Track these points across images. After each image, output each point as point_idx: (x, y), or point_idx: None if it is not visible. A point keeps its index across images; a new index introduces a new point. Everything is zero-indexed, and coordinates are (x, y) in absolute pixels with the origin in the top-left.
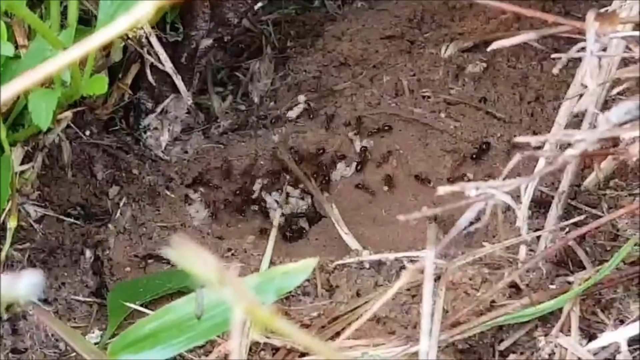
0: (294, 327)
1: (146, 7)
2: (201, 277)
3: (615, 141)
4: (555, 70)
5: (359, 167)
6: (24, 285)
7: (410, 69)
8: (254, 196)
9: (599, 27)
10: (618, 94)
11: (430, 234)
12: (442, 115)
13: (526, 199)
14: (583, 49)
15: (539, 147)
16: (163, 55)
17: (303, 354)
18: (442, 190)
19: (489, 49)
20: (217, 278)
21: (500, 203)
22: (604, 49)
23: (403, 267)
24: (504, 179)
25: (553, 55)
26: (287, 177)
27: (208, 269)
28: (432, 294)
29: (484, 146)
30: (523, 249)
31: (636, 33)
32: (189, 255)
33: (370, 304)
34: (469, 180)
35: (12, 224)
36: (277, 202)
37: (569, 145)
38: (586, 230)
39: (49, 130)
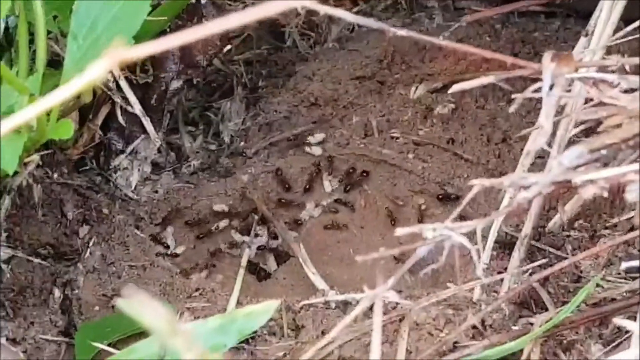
0: None
1: (100, 67)
2: (152, 327)
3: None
4: (511, 109)
5: (327, 208)
6: None
7: (380, 110)
8: (223, 236)
9: (555, 68)
10: (578, 135)
11: (381, 273)
12: (410, 156)
13: (490, 239)
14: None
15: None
16: (132, 98)
17: None
18: (401, 232)
19: (450, 91)
20: (167, 328)
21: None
22: (568, 90)
23: (370, 307)
24: (460, 219)
25: (513, 96)
26: (256, 217)
27: (158, 319)
28: (380, 336)
29: (452, 196)
30: (478, 290)
31: (593, 74)
32: (140, 305)
33: (336, 344)
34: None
35: None
36: (245, 241)
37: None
38: (549, 273)
39: (15, 173)
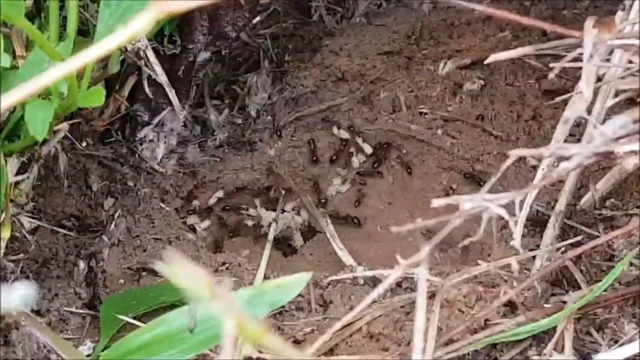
0: (285, 343)
1: (144, 20)
2: (192, 292)
3: (610, 156)
4: (551, 75)
5: (355, 183)
6: (18, 296)
7: (408, 85)
8: (249, 210)
9: (597, 34)
10: (618, 105)
11: (424, 249)
12: (439, 132)
13: (522, 213)
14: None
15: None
16: (159, 69)
17: None
18: (437, 202)
19: (486, 62)
20: (207, 293)
21: (494, 217)
22: (608, 60)
23: (399, 284)
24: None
25: (551, 65)
26: (283, 191)
27: (199, 284)
28: (425, 311)
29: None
30: (516, 264)
31: (636, 42)
32: (180, 269)
33: (364, 320)
34: None
35: (5, 234)
36: (272, 216)
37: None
38: (582, 251)
39: (44, 141)
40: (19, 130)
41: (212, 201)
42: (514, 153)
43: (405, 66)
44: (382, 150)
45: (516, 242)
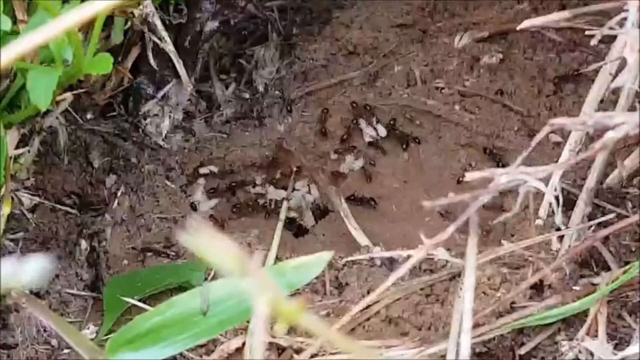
0: (324, 323)
1: None
2: (219, 266)
3: None
4: (593, 42)
5: (368, 160)
6: (29, 271)
7: (423, 59)
8: (258, 189)
9: None
10: None
11: (473, 222)
12: (457, 107)
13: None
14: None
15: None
16: (166, 36)
17: (312, 355)
18: (471, 176)
19: (520, 27)
20: (237, 267)
21: (532, 190)
22: None
23: (418, 266)
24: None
25: (587, 32)
26: (294, 168)
27: (227, 257)
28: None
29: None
30: (556, 241)
31: None
32: (206, 241)
33: (382, 303)
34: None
35: (5, 210)
36: (282, 195)
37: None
38: (614, 230)
39: (47, 112)
40: (19, 100)
41: (219, 179)
42: (555, 121)
43: (420, 39)
44: (397, 126)
45: (557, 218)
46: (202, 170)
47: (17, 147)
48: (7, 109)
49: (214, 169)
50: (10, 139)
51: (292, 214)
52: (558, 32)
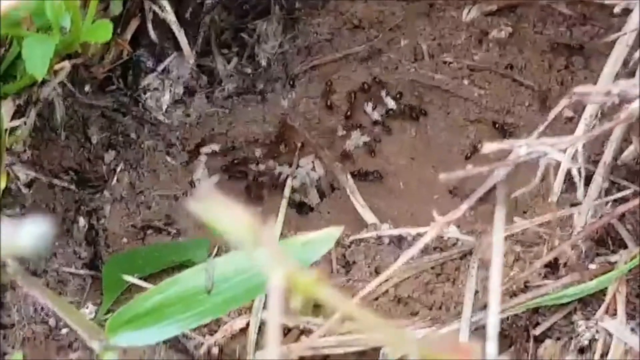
0: (343, 296)
1: None
2: (230, 235)
3: None
4: (616, 10)
5: (375, 136)
6: (27, 233)
7: (430, 33)
8: (261, 165)
9: None
10: None
11: (500, 193)
12: (465, 82)
13: (561, 168)
14: None
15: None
16: (167, 6)
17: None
18: (488, 148)
19: (529, 1)
20: (251, 237)
21: (552, 163)
22: None
23: (429, 244)
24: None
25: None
26: (298, 145)
27: (240, 227)
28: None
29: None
30: (577, 216)
31: None
32: (218, 209)
33: (392, 282)
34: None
35: (1, 184)
36: (286, 171)
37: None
38: (632, 206)
39: (43, 82)
40: (15, 70)
41: (220, 155)
42: (580, 89)
43: (426, 12)
44: (404, 101)
45: (579, 191)
46: (204, 148)
47: (12, 119)
48: (2, 79)
49: (216, 146)
50: (5, 110)
51: (297, 192)
52: (568, 6)
